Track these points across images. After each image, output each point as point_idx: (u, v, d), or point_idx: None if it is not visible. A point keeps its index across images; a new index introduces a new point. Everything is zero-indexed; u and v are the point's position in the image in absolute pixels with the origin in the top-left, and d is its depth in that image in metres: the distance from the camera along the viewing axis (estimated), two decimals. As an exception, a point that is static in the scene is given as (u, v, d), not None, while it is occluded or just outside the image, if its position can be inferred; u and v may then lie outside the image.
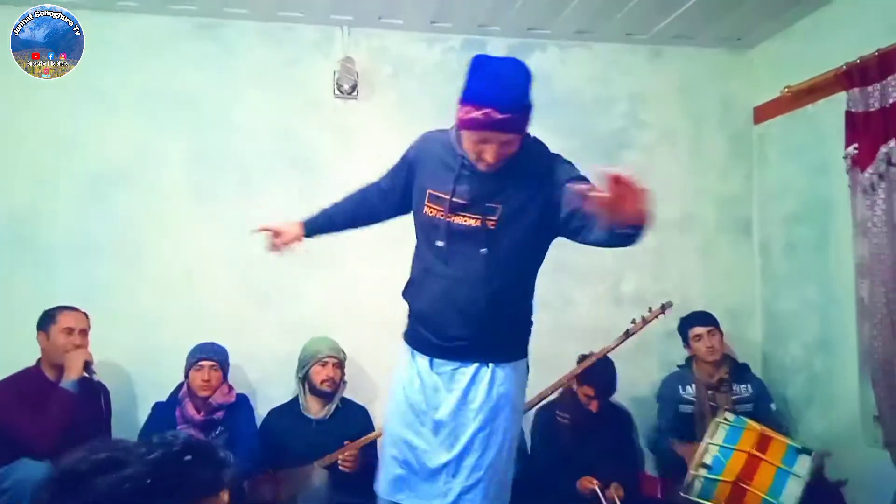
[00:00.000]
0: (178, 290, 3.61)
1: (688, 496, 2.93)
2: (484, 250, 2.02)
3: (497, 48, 3.96)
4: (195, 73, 3.70)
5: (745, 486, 2.83)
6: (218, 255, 3.66)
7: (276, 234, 2.34)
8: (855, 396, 3.36)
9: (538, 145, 2.11)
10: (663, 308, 3.44)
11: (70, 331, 3.07)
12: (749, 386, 3.57)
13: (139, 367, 3.51)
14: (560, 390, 3.49)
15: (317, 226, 2.36)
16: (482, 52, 3.91)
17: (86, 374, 3.03)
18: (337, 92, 3.78)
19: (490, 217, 2.02)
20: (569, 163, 2.09)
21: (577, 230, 1.96)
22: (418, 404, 2.12)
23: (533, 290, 2.19)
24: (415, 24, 3.82)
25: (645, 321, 3.41)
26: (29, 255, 3.49)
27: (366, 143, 3.82)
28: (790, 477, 2.81)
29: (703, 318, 3.61)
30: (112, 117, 3.59)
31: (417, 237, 2.18)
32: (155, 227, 3.62)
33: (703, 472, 2.89)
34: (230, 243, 3.65)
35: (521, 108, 1.92)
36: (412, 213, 2.20)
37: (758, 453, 2.87)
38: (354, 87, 3.76)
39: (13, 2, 3.20)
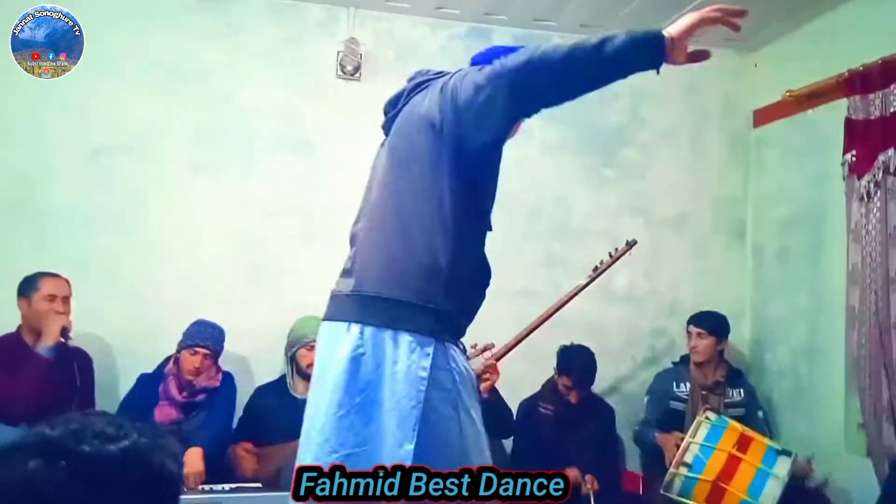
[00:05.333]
0: (175, 264, 3.60)
1: (668, 494, 2.94)
2: None
3: (502, 37, 3.95)
4: (201, 48, 3.68)
5: (724, 485, 2.85)
6: (216, 231, 3.66)
7: None
8: (840, 403, 3.38)
9: None
10: (629, 245, 3.41)
11: (52, 297, 3.03)
12: (742, 391, 3.59)
13: (132, 338, 3.49)
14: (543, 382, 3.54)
15: None
16: (487, 41, 3.94)
17: (62, 340, 2.99)
18: (340, 73, 3.77)
19: None
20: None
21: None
22: None
23: None
24: (420, 9, 3.81)
25: (613, 259, 3.41)
26: (28, 220, 3.47)
27: (367, 126, 3.79)
28: (769, 478, 2.83)
29: (697, 319, 3.64)
30: (117, 87, 3.57)
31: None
32: (155, 200, 3.61)
33: (683, 470, 2.90)
34: (229, 219, 3.66)
35: None
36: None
37: (738, 453, 2.88)
38: (357, 69, 3.75)
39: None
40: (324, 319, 1.90)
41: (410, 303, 1.74)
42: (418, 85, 1.92)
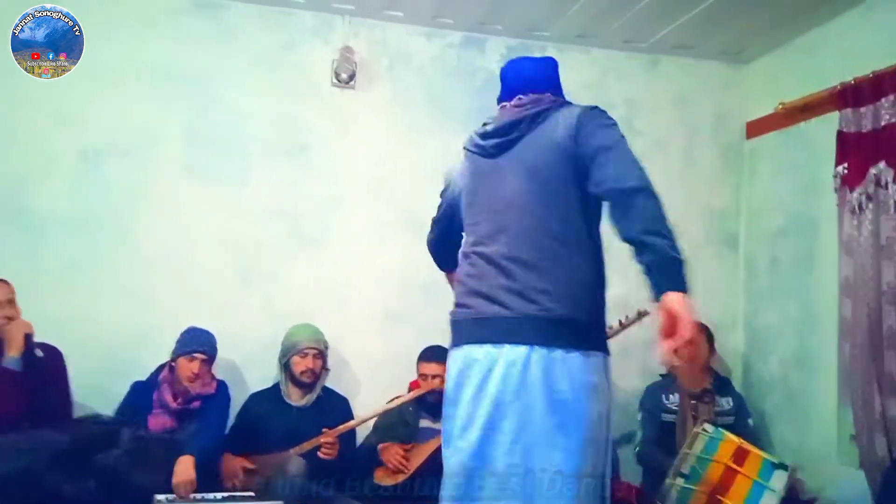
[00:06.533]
0: (168, 269, 3.57)
1: (662, 505, 2.94)
2: None
3: (496, 47, 3.96)
4: (194, 52, 3.65)
5: (720, 497, 2.85)
6: (209, 236, 3.63)
7: None
8: (832, 414, 3.39)
9: None
10: (640, 315, 3.40)
11: None
12: (730, 399, 3.60)
13: (124, 343, 3.45)
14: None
15: None
16: (481, 50, 3.95)
17: (28, 349, 2.85)
18: (335, 80, 3.76)
19: None
20: None
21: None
22: None
23: None
24: (416, 18, 3.81)
25: (623, 326, 3.38)
26: (19, 224, 3.43)
27: (361, 133, 3.82)
28: (765, 491, 2.83)
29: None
30: (109, 91, 3.55)
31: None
32: (148, 205, 3.58)
33: (679, 481, 2.90)
34: (221, 224, 3.64)
35: None
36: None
37: (734, 466, 2.89)
38: (352, 77, 3.74)
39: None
40: (470, 342, 1.90)
41: (586, 322, 1.85)
42: (539, 113, 1.95)
